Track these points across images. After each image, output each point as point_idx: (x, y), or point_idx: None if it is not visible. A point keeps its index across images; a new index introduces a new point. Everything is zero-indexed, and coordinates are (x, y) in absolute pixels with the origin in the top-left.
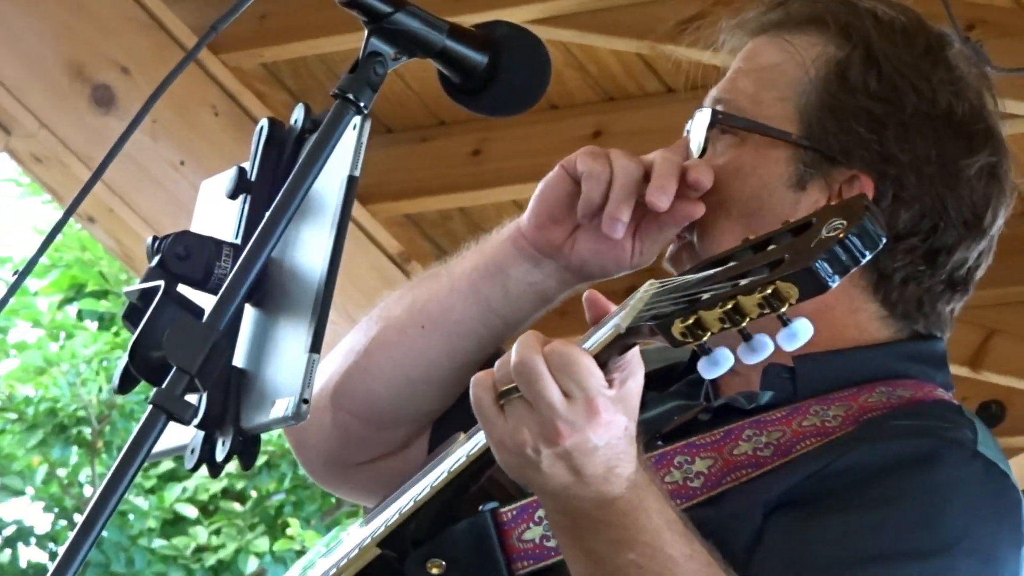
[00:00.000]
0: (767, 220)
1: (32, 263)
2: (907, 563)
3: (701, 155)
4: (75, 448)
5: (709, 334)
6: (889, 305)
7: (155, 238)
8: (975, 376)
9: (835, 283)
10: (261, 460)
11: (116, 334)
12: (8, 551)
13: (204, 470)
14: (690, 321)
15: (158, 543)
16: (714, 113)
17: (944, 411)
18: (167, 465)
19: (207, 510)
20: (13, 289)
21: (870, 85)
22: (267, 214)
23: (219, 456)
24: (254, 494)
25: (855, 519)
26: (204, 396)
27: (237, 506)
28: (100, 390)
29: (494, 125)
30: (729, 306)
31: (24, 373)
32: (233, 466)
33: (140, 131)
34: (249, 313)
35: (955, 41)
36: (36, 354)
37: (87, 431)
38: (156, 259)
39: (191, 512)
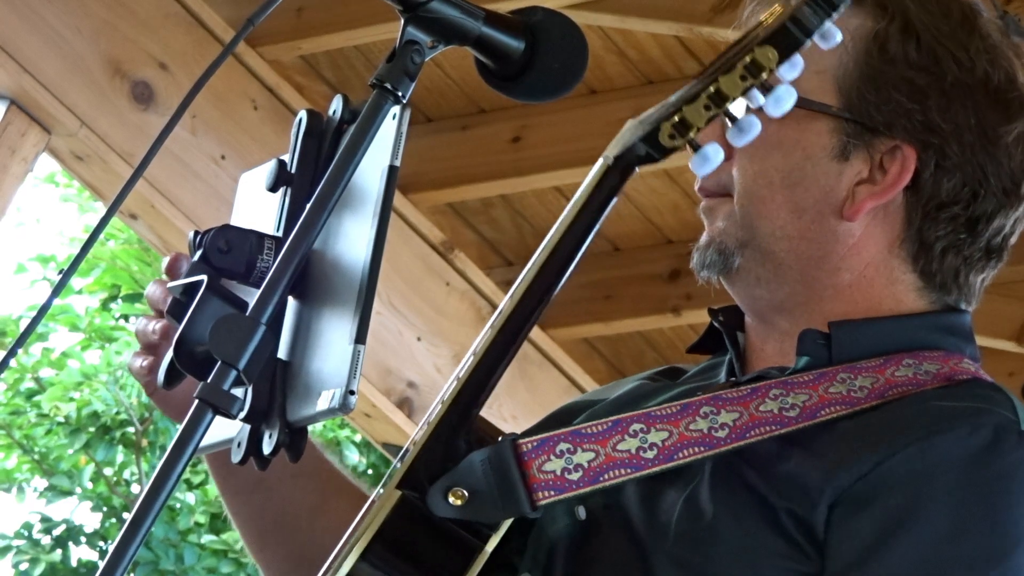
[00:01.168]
0: (811, 191)
1: (77, 261)
2: (986, 569)
3: None
4: (120, 447)
5: (696, 128)
6: (927, 276)
7: (196, 233)
8: (1021, 350)
9: (814, 30)
10: None
11: None
12: (59, 551)
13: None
14: (675, 120)
15: (207, 538)
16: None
17: (982, 390)
18: None
19: None
20: (58, 289)
21: (910, 55)
22: (308, 206)
23: (266, 450)
24: None
25: (927, 532)
26: (249, 390)
27: None
28: (140, 393)
29: (533, 111)
30: (711, 90)
31: (63, 390)
32: None
33: (180, 126)
34: (292, 306)
35: (983, 10)
36: (74, 371)
37: (131, 431)
38: (198, 254)
39: None
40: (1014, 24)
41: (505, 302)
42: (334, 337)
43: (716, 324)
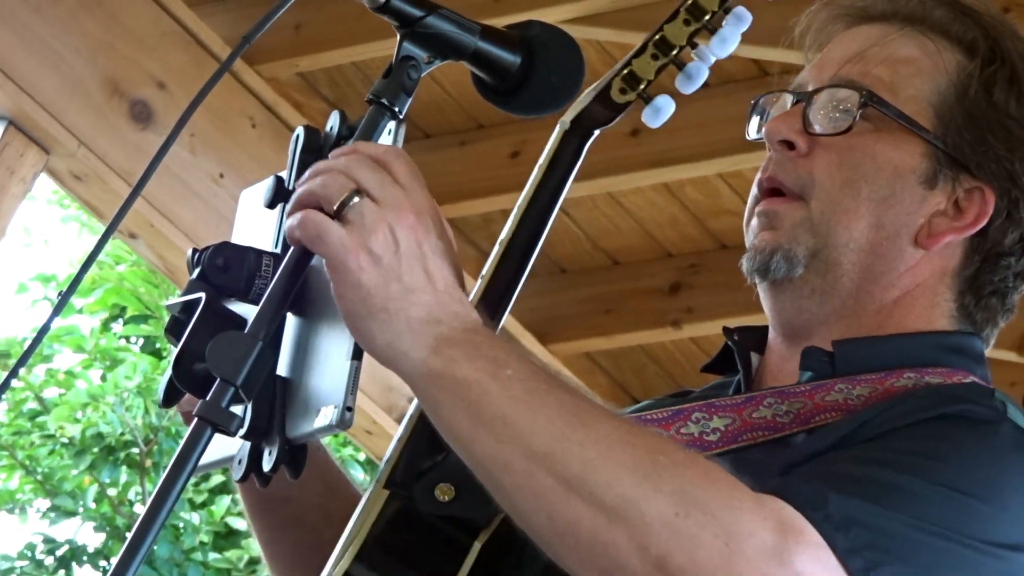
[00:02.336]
0: (894, 209)
1: (77, 280)
2: (919, 481)
3: (843, 133)
4: (124, 468)
5: (647, 81)
6: (965, 310)
7: (195, 250)
8: (1023, 360)
9: None
10: None
11: (159, 356)
12: (62, 572)
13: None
14: (624, 73)
15: (212, 557)
16: (869, 95)
17: (974, 389)
18: (217, 478)
19: None
20: (58, 309)
21: (1011, 105)
22: None
23: (266, 467)
24: None
25: (877, 444)
26: (249, 407)
27: None
28: (146, 412)
29: (532, 126)
30: (657, 38)
31: (70, 410)
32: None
33: (178, 145)
34: (291, 322)
35: None
36: (80, 391)
37: (135, 451)
38: (197, 271)
39: (243, 525)
40: (1007, 20)
41: (474, 291)
42: (332, 353)
43: (730, 343)
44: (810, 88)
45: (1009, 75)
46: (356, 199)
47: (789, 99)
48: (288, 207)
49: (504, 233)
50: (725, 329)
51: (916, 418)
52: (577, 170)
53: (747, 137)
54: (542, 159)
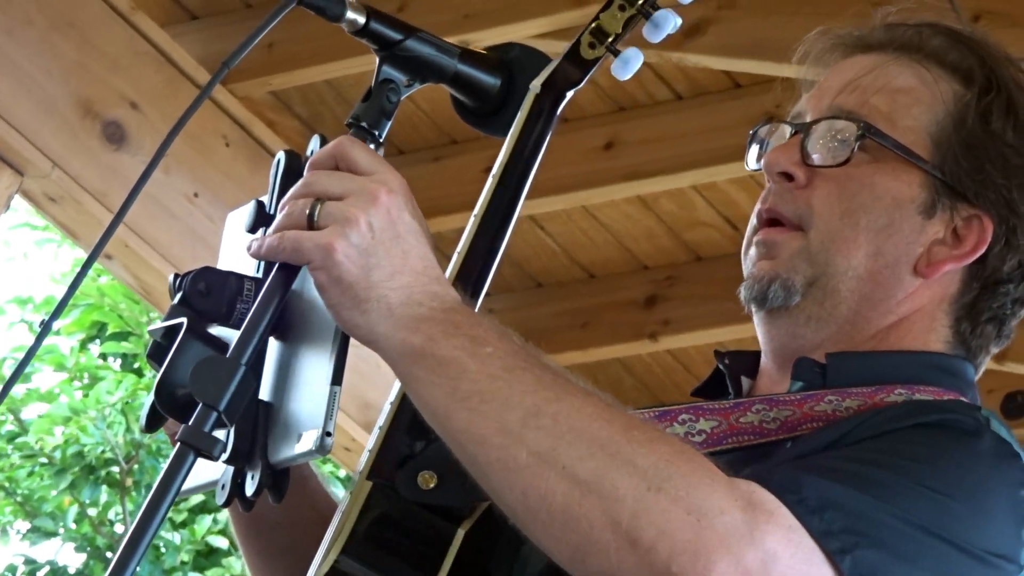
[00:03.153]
0: (895, 239)
1: (59, 308)
2: (899, 477)
3: (841, 165)
4: (105, 487)
5: (615, 35)
6: (960, 336)
7: (176, 275)
8: (999, 368)
9: None
10: None
11: (139, 374)
12: None
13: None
14: (592, 28)
15: None
16: (866, 127)
17: (961, 404)
18: (198, 498)
19: None
20: (42, 336)
21: (1007, 133)
22: None
23: (249, 491)
24: None
25: (859, 446)
26: (231, 431)
27: None
28: (127, 429)
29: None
30: None
31: (51, 423)
32: None
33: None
34: (272, 346)
35: None
36: (62, 405)
37: (116, 470)
38: (178, 296)
39: (223, 544)
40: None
41: (451, 266)
42: (312, 378)
43: (721, 367)
44: (808, 118)
45: (1005, 103)
46: (320, 206)
47: (788, 130)
48: (260, 247)
49: (478, 206)
50: (717, 353)
51: (900, 424)
52: (549, 137)
53: (746, 167)
54: (513, 127)
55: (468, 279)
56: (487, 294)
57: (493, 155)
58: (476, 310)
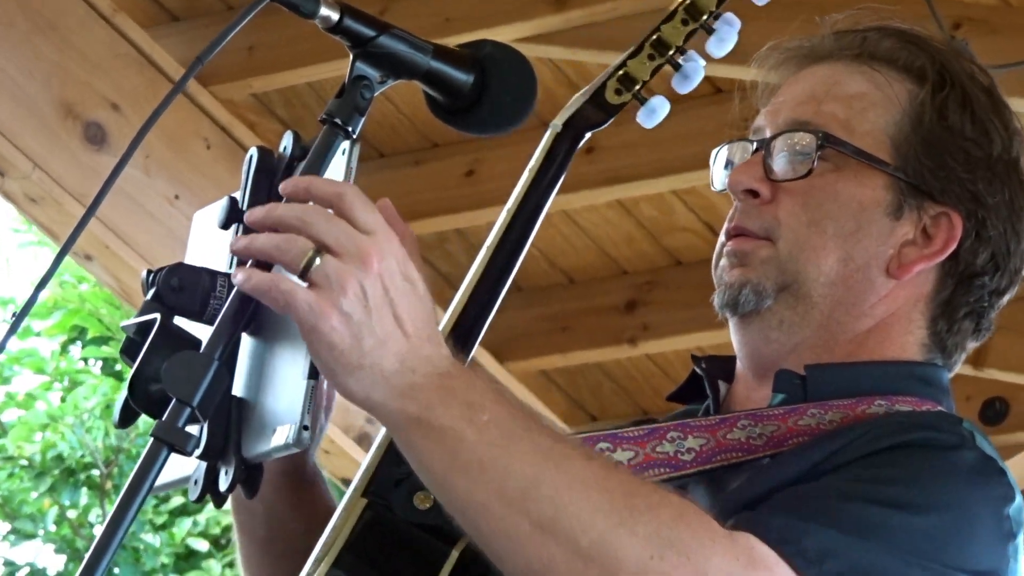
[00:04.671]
0: (864, 243)
1: (31, 301)
2: (888, 510)
3: (803, 177)
4: (85, 490)
5: (642, 82)
6: (937, 336)
7: (150, 271)
8: (978, 374)
9: None
10: None
11: (120, 378)
12: None
13: (216, 508)
14: (619, 75)
15: None
16: (825, 136)
17: (944, 417)
18: (177, 500)
19: (219, 543)
20: (13, 329)
21: (965, 127)
22: None
23: (223, 486)
24: None
25: (856, 473)
26: (205, 427)
27: None
28: (106, 434)
29: (487, 145)
30: (654, 39)
31: (28, 430)
32: None
33: (133, 167)
34: (246, 342)
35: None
36: (40, 412)
37: (96, 474)
38: (151, 292)
39: (203, 546)
40: (964, 48)
41: (460, 293)
42: (288, 373)
43: (699, 371)
44: (767, 134)
45: (960, 97)
46: (318, 260)
47: (751, 147)
48: (244, 253)
49: (491, 237)
50: (694, 357)
51: (882, 445)
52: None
53: (712, 187)
54: (532, 162)
55: (476, 306)
56: None
57: (474, 159)
58: (469, 361)
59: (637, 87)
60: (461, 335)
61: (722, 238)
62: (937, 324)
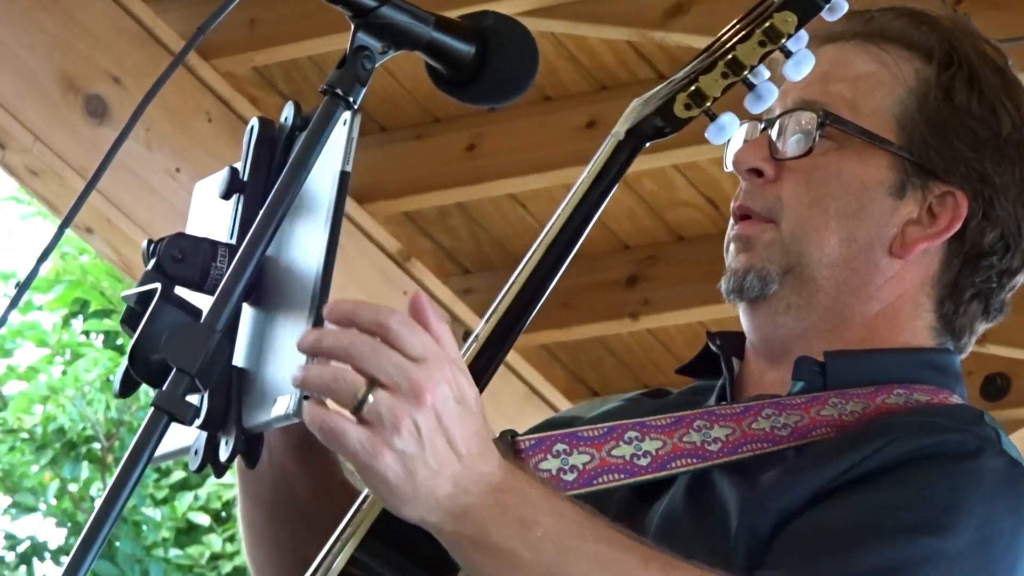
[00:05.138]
0: (865, 222)
1: (32, 274)
2: (919, 536)
3: (804, 155)
4: (86, 463)
5: (712, 99)
6: (945, 319)
7: (150, 241)
8: (980, 349)
9: None
10: None
11: (122, 351)
12: (24, 567)
13: (215, 478)
14: (691, 90)
15: (173, 553)
16: (825, 115)
17: (966, 414)
18: (178, 474)
19: (220, 517)
20: (14, 302)
21: (973, 106)
22: (260, 213)
23: (223, 456)
24: None
25: (877, 497)
26: (205, 396)
27: None
28: (107, 408)
29: (488, 119)
30: (729, 58)
31: (28, 402)
32: None
33: (134, 140)
34: (247, 312)
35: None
36: (40, 383)
37: (97, 447)
38: (152, 262)
39: (204, 520)
40: (969, 24)
41: (506, 291)
42: (289, 343)
43: (713, 348)
44: (776, 114)
45: (968, 76)
46: (371, 397)
47: (759, 127)
48: (303, 387)
49: (542, 237)
50: (709, 333)
51: (906, 452)
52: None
53: (726, 169)
54: (591, 167)
55: (519, 305)
56: (467, 272)
57: (475, 133)
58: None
59: (708, 104)
60: (500, 336)
61: (732, 221)
62: (944, 306)
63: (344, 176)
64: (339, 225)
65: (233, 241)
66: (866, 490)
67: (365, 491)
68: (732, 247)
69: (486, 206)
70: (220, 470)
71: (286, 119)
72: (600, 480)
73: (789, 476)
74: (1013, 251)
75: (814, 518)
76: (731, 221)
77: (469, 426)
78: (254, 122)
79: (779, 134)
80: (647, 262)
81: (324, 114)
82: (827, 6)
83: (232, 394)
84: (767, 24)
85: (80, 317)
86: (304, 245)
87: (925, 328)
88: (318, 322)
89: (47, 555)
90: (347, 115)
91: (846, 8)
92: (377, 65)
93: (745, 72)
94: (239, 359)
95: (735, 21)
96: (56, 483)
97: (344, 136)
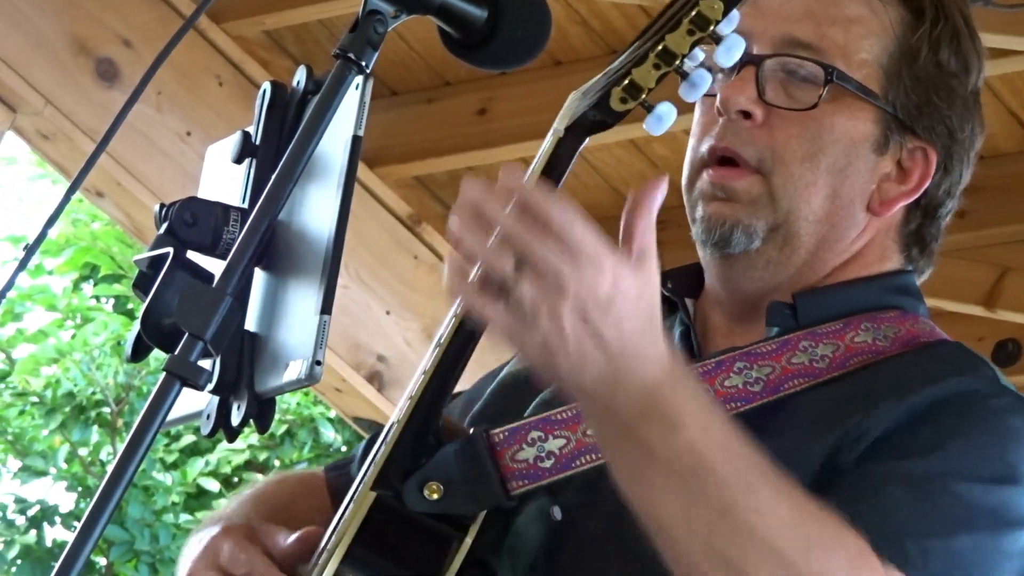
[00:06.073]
0: (851, 179)
1: (41, 237)
2: (979, 485)
3: (811, 108)
4: (95, 428)
5: (648, 90)
6: (910, 259)
7: (162, 205)
8: (990, 315)
9: None
10: (281, 429)
11: (132, 316)
12: (34, 531)
13: (226, 443)
14: (625, 83)
15: (183, 518)
16: (833, 72)
17: (958, 352)
18: (189, 439)
19: (230, 482)
20: (22, 265)
21: (952, 63)
22: (273, 177)
23: (235, 421)
24: (277, 464)
25: (919, 463)
26: (217, 361)
27: (260, 477)
28: (116, 373)
29: (499, 83)
30: (659, 48)
31: (36, 364)
32: (256, 437)
33: (145, 103)
34: (259, 277)
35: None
36: (48, 346)
37: (106, 411)
38: (164, 226)
39: (214, 486)
40: None
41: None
42: (300, 308)
43: (665, 292)
44: (756, 45)
45: (952, 31)
46: (522, 285)
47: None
48: (455, 245)
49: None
50: (661, 274)
51: (926, 411)
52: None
53: (686, 98)
54: (535, 165)
55: None
56: None
57: (486, 97)
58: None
59: (643, 96)
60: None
61: (701, 150)
62: (911, 249)
63: (356, 140)
64: (351, 189)
65: (245, 205)
66: (911, 444)
67: (346, 502)
68: (707, 189)
69: (497, 170)
70: (232, 434)
71: (298, 83)
72: (578, 463)
73: (785, 444)
74: (955, 199)
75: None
76: (700, 155)
77: (625, 325)
78: (266, 86)
79: (769, 76)
80: (658, 227)
81: (336, 78)
82: None
83: (244, 358)
84: (694, 12)
85: (91, 282)
86: (316, 209)
87: (893, 264)
88: (330, 287)
89: (57, 519)
90: (359, 79)
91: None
92: (389, 29)
93: (677, 61)
94: (251, 323)
95: (664, 7)
96: (66, 447)
97: (356, 100)
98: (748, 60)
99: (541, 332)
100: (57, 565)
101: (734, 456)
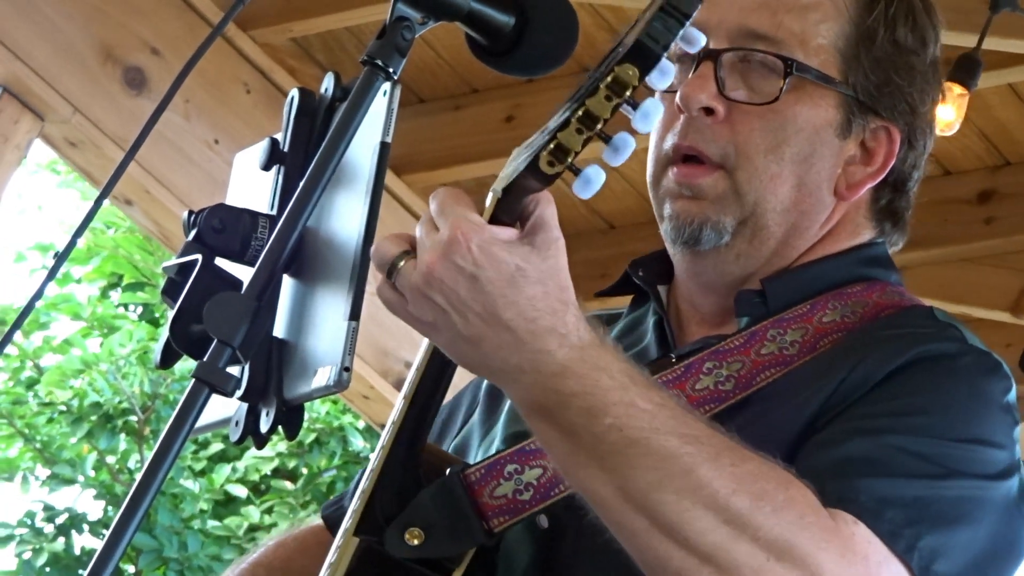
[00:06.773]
0: (816, 167)
1: (70, 246)
2: (944, 442)
3: (772, 102)
4: (123, 436)
5: (574, 153)
6: (882, 233)
7: (191, 212)
8: (1017, 322)
9: (670, 44)
10: (310, 437)
11: (156, 324)
12: (62, 539)
13: (254, 450)
14: (551, 147)
15: (211, 524)
16: (792, 64)
17: (924, 317)
18: (216, 446)
19: (258, 489)
20: (52, 273)
21: (908, 39)
22: (301, 184)
23: (263, 427)
24: (305, 472)
25: (882, 406)
26: (246, 368)
27: (288, 484)
28: (142, 382)
29: (526, 90)
30: (580, 113)
31: (62, 376)
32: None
33: (173, 111)
34: (287, 283)
35: None
36: (74, 357)
37: (133, 419)
38: (193, 233)
39: (242, 492)
40: None
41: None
42: (329, 314)
43: (636, 280)
44: (713, 39)
45: (907, 8)
46: (401, 263)
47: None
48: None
49: None
50: (632, 263)
51: (892, 366)
52: None
53: (654, 87)
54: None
55: None
56: None
57: (513, 104)
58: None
59: (569, 159)
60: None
61: (665, 147)
62: (883, 224)
63: (384, 147)
64: (379, 196)
65: (273, 212)
66: (882, 399)
67: (331, 551)
68: (672, 187)
69: None
70: (260, 441)
71: (326, 90)
72: (557, 490)
73: (761, 433)
74: (920, 170)
75: (839, 435)
76: (664, 151)
77: (517, 299)
78: (294, 93)
79: (728, 70)
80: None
81: (364, 85)
82: (664, 55)
83: (272, 365)
84: (611, 78)
85: (117, 290)
86: (344, 216)
87: (864, 239)
88: (358, 293)
89: (85, 527)
90: (387, 86)
91: (701, 43)
92: (417, 36)
93: (599, 125)
94: (279, 330)
95: (590, 72)
96: (94, 455)
97: (384, 107)
98: (706, 55)
99: (420, 311)
100: (86, 573)
101: (664, 425)
